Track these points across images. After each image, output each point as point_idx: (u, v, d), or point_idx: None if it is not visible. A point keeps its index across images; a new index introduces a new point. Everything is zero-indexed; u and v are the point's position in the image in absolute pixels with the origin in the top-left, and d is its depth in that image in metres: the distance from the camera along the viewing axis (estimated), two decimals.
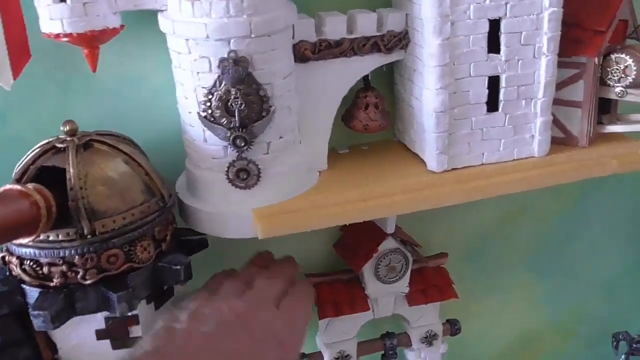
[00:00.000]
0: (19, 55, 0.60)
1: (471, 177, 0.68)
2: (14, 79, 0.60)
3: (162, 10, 0.60)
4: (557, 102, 0.70)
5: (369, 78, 0.70)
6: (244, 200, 0.64)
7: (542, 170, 0.70)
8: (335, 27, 0.65)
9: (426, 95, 0.65)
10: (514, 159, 0.70)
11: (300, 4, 0.64)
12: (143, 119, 0.69)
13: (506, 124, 0.68)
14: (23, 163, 0.58)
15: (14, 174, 0.58)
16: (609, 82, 0.69)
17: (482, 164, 0.69)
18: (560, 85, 0.70)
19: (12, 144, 0.65)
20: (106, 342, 0.62)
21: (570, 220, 0.94)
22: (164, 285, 0.62)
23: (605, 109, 0.74)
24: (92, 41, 0.60)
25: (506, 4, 0.62)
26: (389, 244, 0.77)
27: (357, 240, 0.79)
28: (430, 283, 0.81)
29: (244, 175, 0.62)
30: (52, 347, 0.62)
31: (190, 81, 0.60)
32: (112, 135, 0.62)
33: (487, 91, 0.66)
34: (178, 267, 0.61)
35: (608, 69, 0.69)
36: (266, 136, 0.62)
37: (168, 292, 0.66)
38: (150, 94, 0.68)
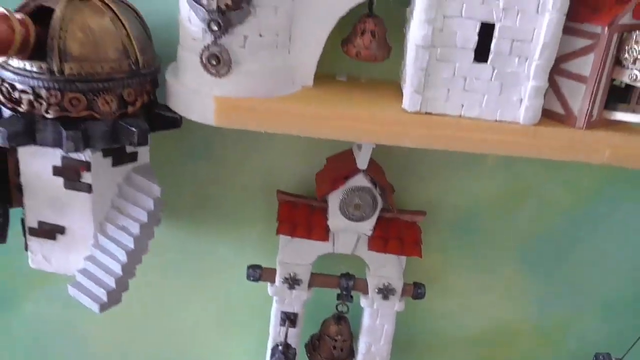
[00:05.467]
0: None
1: (442, 125, 0.65)
2: None
3: None
4: (562, 73, 0.65)
5: (373, 5, 0.69)
6: (213, 87, 0.66)
7: (521, 139, 0.65)
8: None
9: (412, 27, 0.63)
10: (495, 120, 0.66)
11: None
12: None
13: (493, 79, 0.64)
14: None
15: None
16: (624, 62, 0.63)
17: (460, 115, 0.66)
18: (569, 56, 0.65)
19: None
20: (60, 180, 0.68)
21: (579, 219, 0.86)
22: (120, 143, 0.67)
23: (624, 96, 0.67)
24: None
25: None
26: (359, 180, 0.76)
27: (332, 171, 0.79)
28: (395, 234, 0.79)
29: (215, 61, 0.64)
30: (19, 173, 0.69)
31: None
32: None
33: (476, 37, 0.62)
34: (133, 129, 0.65)
35: (626, 47, 0.62)
36: (245, 29, 0.64)
37: (130, 156, 0.71)
38: None
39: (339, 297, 0.85)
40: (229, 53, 0.64)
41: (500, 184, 0.85)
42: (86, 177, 0.67)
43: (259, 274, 0.83)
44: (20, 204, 0.71)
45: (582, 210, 0.85)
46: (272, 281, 0.83)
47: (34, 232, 0.71)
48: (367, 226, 0.79)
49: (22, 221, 0.73)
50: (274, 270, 0.83)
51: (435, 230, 0.86)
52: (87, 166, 0.67)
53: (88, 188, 0.68)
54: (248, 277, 0.83)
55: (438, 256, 0.88)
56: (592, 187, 0.84)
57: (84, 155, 0.67)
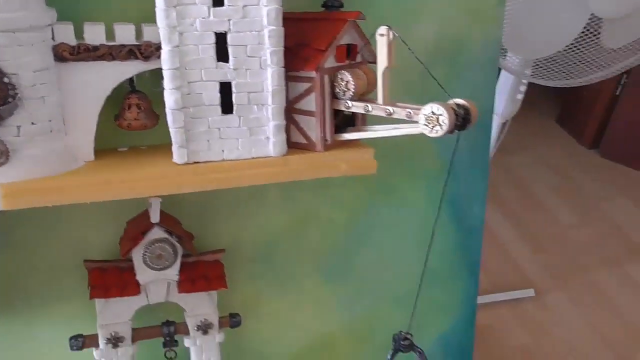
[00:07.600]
0: None
1: (209, 170, 0.78)
2: None
3: None
4: (298, 111, 0.82)
5: (134, 82, 0.81)
6: None
7: (275, 168, 0.80)
8: (93, 34, 0.76)
9: (165, 94, 0.76)
10: (252, 157, 0.80)
11: (75, 14, 0.77)
12: None
13: (241, 125, 0.78)
14: None
15: None
16: (338, 95, 0.81)
17: (223, 159, 0.79)
18: (299, 97, 0.81)
19: None
20: None
21: (358, 230, 1.03)
22: None
23: (352, 121, 0.85)
24: None
25: (229, 20, 0.74)
26: (155, 233, 0.85)
27: (132, 230, 0.87)
28: (200, 273, 0.89)
29: None
30: None
31: None
32: None
33: (219, 95, 0.76)
34: None
35: (335, 84, 0.80)
36: (16, 120, 0.72)
37: None
38: None
39: (164, 344, 0.93)
40: (4, 143, 0.72)
41: (287, 213, 0.99)
42: None
43: (81, 342, 0.88)
44: None
45: (354, 222, 1.03)
46: (97, 346, 0.88)
47: None
48: (173, 272, 0.88)
49: None
50: (95, 335, 0.88)
51: (241, 264, 0.98)
52: None
53: None
54: (71, 348, 0.88)
55: (248, 287, 1.00)
56: (356, 202, 1.01)
57: None
